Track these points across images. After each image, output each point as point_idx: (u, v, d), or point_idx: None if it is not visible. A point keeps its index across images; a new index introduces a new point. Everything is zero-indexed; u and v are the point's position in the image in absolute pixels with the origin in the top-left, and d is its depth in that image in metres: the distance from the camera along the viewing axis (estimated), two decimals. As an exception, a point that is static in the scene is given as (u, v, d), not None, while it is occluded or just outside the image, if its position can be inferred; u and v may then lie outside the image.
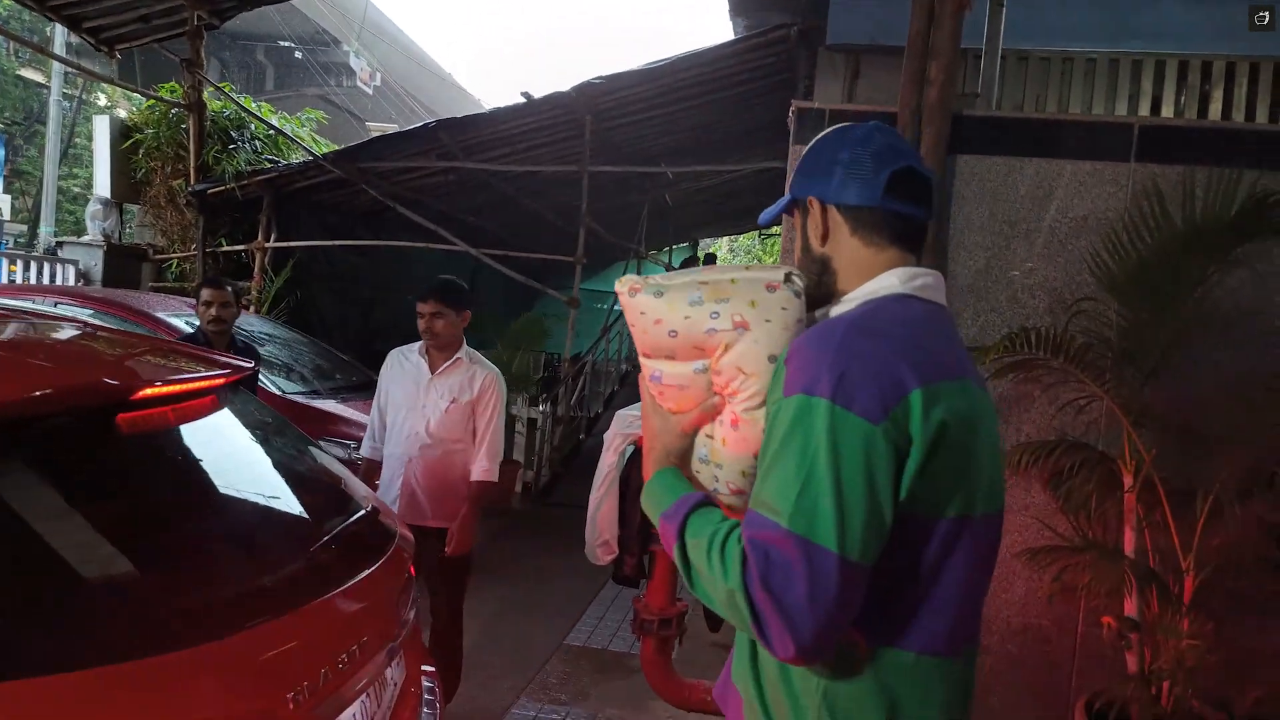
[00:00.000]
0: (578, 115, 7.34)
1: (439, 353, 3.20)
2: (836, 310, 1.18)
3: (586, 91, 6.88)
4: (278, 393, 4.94)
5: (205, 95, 7.57)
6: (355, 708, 1.55)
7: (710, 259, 14.38)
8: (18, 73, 16.81)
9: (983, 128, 3.20)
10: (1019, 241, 3.15)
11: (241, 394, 1.99)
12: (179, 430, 1.66)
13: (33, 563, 1.22)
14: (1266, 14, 3.92)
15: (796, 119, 3.26)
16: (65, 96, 14.28)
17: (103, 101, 16.90)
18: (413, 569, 2.00)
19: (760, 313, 1.14)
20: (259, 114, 7.90)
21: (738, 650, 1.23)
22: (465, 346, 3.26)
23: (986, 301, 3.18)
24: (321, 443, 4.21)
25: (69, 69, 11.77)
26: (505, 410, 3.33)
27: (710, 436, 1.22)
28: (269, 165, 7.65)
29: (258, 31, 18.93)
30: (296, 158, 7.87)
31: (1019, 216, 3.16)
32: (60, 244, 8.44)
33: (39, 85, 16.65)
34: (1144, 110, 4.67)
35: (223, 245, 7.68)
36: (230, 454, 1.80)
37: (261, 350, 4.99)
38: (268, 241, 7.66)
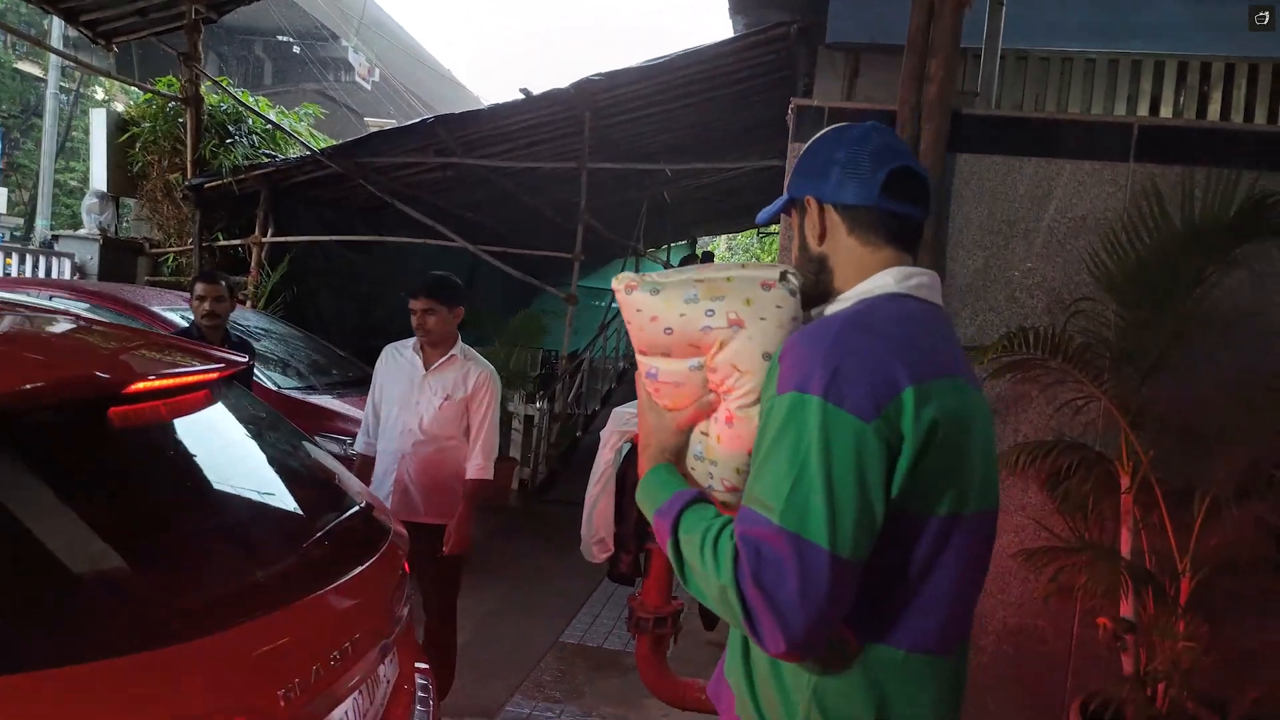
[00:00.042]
0: (577, 112, 7.32)
1: (433, 349, 3.19)
2: (831, 309, 1.19)
3: (586, 88, 6.86)
4: (273, 388, 4.92)
5: (202, 89, 7.54)
6: (348, 705, 1.54)
7: (708, 257, 14.38)
8: (14, 66, 16.75)
9: (982, 126, 3.19)
10: (1018, 241, 3.15)
11: (236, 389, 1.97)
12: (171, 425, 1.65)
13: (21, 557, 1.21)
14: (1266, 14, 3.92)
15: (796, 117, 3.25)
16: (62, 90, 14.23)
17: (100, 95, 16.85)
18: (406, 565, 1.99)
19: (755, 311, 1.15)
20: (256, 108, 7.87)
21: (731, 646, 1.23)
22: (460, 343, 3.25)
23: (985, 301, 3.17)
24: (317, 438, 4.20)
25: (66, 62, 11.73)
26: (501, 407, 3.32)
27: (705, 434, 1.22)
28: (266, 160, 7.62)
29: (256, 26, 18.85)
30: (294, 152, 7.84)
31: (1018, 216, 3.15)
32: (56, 237, 8.40)
33: (36, 78, 16.59)
34: (1143, 110, 4.67)
35: (219, 240, 7.66)
36: (223, 449, 1.79)
37: (257, 345, 4.97)
38: (264, 236, 7.63)
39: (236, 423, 1.88)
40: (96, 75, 13.62)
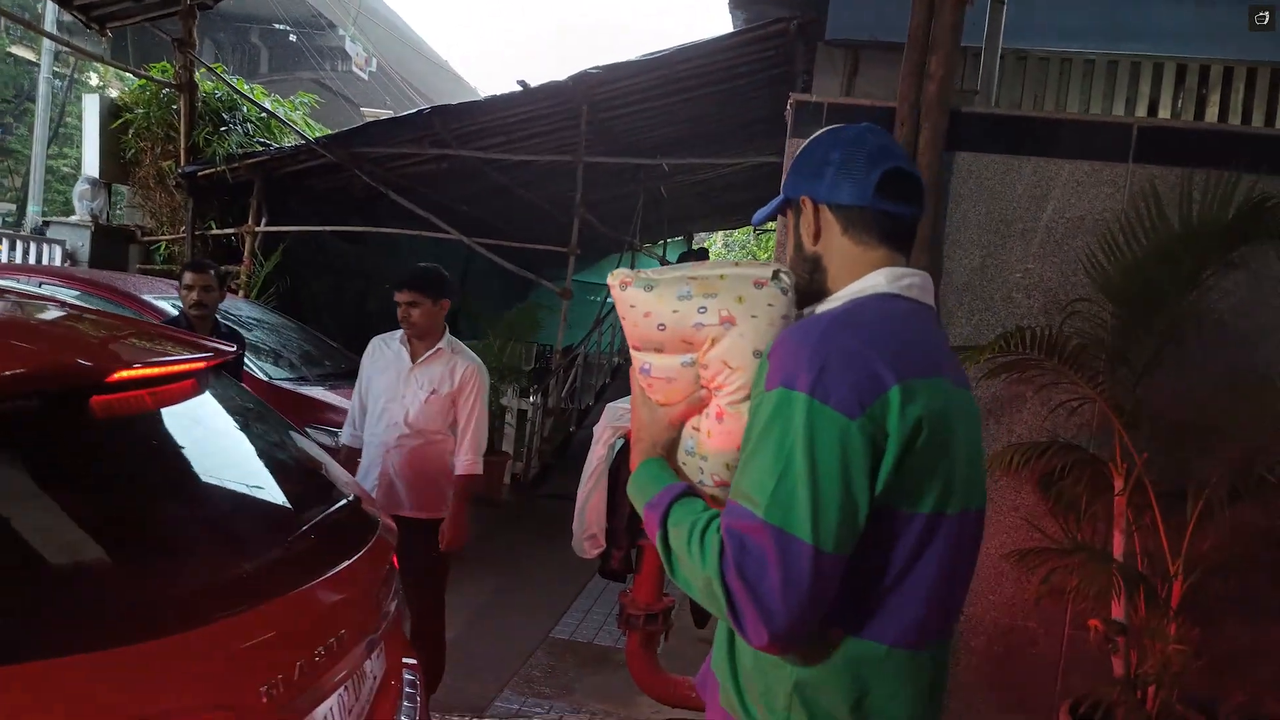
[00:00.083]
0: (574, 105, 7.28)
1: (419, 342, 3.16)
2: (823, 308, 1.21)
3: (583, 81, 6.82)
4: (264, 378, 4.89)
5: (197, 76, 7.48)
6: (333, 701, 1.52)
7: (702, 253, 14.35)
8: (8, 50, 16.60)
9: (982, 125, 3.18)
10: (1015, 240, 3.14)
11: (224, 379, 1.95)
12: (157, 415, 1.62)
13: (-1, 548, 1.18)
14: (1266, 14, 3.90)
15: (794, 113, 3.23)
16: (56, 75, 14.11)
17: (95, 81, 16.70)
18: (395, 560, 1.96)
19: (747, 308, 1.17)
20: (251, 96, 7.81)
21: (717, 639, 1.25)
22: (447, 336, 3.21)
23: (981, 300, 3.16)
24: (308, 429, 4.17)
25: (60, 47, 11.63)
26: (489, 401, 3.30)
27: (697, 429, 1.24)
28: (260, 148, 7.56)
29: (253, 13, 18.72)
30: (289, 141, 7.78)
31: (1016, 215, 3.14)
32: (47, 224, 8.33)
33: (30, 63, 16.44)
34: (1141, 112, 4.66)
35: (212, 228, 7.60)
36: (210, 439, 1.77)
37: (249, 335, 4.93)
38: (258, 226, 7.58)
39: (224, 413, 1.85)
40: (90, 61, 13.51)
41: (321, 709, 1.48)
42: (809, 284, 1.24)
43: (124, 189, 8.10)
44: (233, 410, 1.88)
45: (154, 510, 1.49)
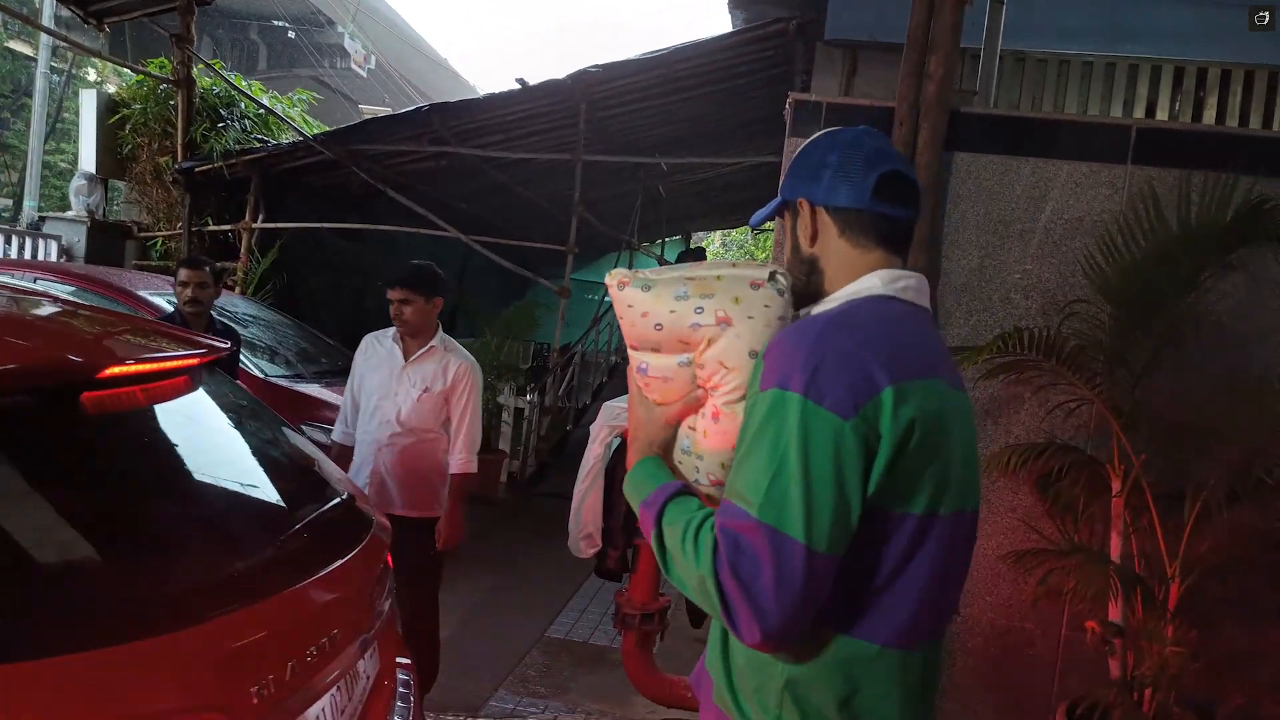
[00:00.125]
0: (573, 103, 7.27)
1: (412, 339, 3.15)
2: (819, 309, 1.22)
3: (582, 79, 6.81)
4: (260, 375, 4.87)
5: (195, 72, 7.45)
6: (325, 701, 1.51)
7: (699, 253, 14.33)
8: (6, 44, 16.53)
9: (980, 125, 3.17)
10: (1013, 241, 3.13)
11: (217, 375, 1.93)
12: (149, 411, 1.60)
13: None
14: (1266, 14, 3.90)
15: (793, 111, 3.22)
16: (54, 70, 14.06)
17: (92, 76, 16.64)
18: (390, 558, 1.95)
19: (743, 309, 1.18)
20: (249, 92, 7.79)
21: (711, 637, 1.26)
22: (440, 334, 3.20)
23: (979, 301, 3.15)
24: (303, 427, 4.16)
25: (58, 42, 11.59)
26: (491, 399, 3.29)
27: (693, 429, 1.25)
28: (258, 145, 7.54)
29: (251, 10, 18.67)
30: (287, 138, 7.76)
31: (1014, 216, 3.13)
32: (43, 219, 8.30)
33: (27, 58, 16.37)
34: (1138, 114, 4.66)
35: (209, 225, 7.58)
36: (203, 437, 1.75)
37: (245, 332, 4.92)
38: (255, 222, 7.56)
39: (217, 410, 1.83)
40: (88, 56, 13.47)
41: (314, 709, 1.47)
42: (806, 285, 1.25)
43: (121, 184, 8.07)
44: (226, 407, 1.87)
45: (145, 508, 1.48)
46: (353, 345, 6.11)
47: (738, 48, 6.35)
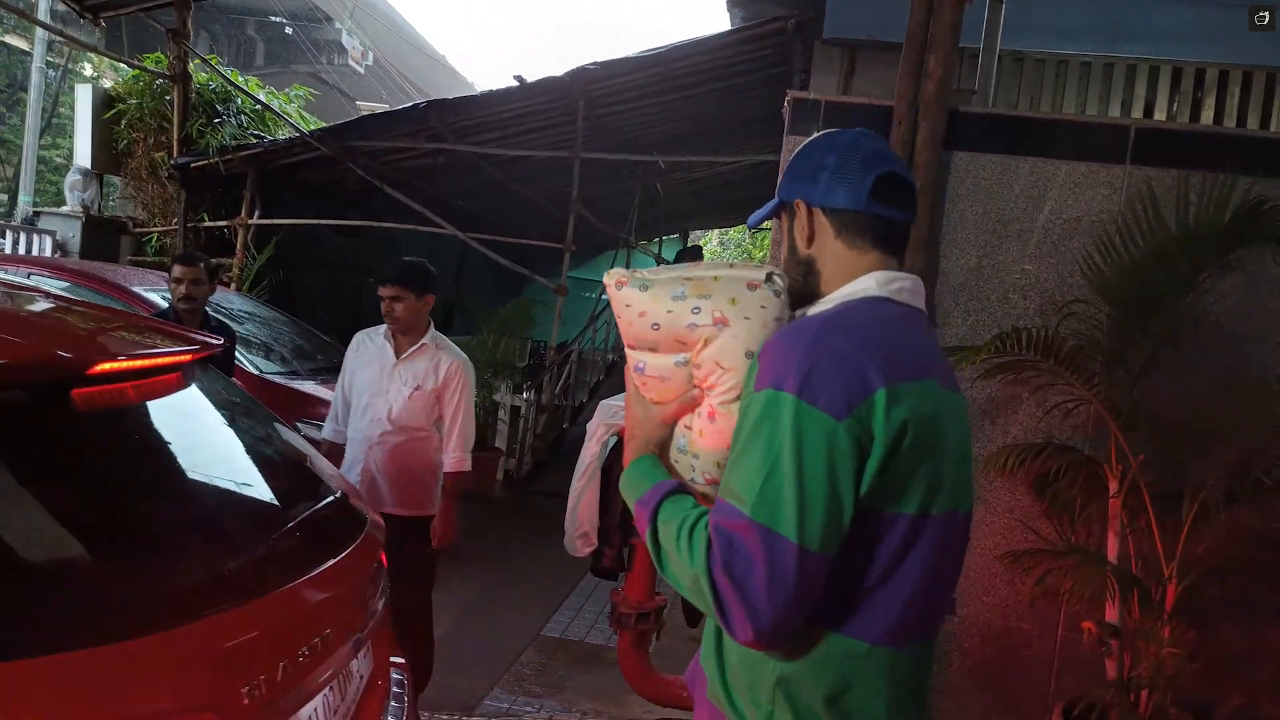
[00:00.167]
0: (571, 100, 7.25)
1: (403, 337, 3.13)
2: (814, 310, 1.23)
3: (580, 77, 6.79)
4: (255, 372, 4.85)
5: (191, 67, 7.42)
6: (317, 702, 1.49)
7: (696, 251, 14.32)
8: (1, 39, 16.45)
9: (979, 124, 3.16)
10: (1012, 241, 3.12)
11: (210, 372, 1.92)
12: (141, 408, 1.59)
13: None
14: (1266, 14, 3.89)
15: (791, 110, 3.21)
16: (49, 65, 13.98)
17: (89, 71, 16.57)
18: (384, 557, 1.94)
19: (740, 310, 1.18)
20: (245, 88, 7.76)
21: (705, 634, 1.27)
22: (432, 331, 3.18)
23: (977, 300, 3.14)
24: (299, 424, 4.14)
25: (54, 36, 11.54)
26: (483, 397, 3.28)
27: (689, 428, 1.25)
28: (254, 141, 7.51)
29: (248, 6, 18.59)
30: (283, 134, 7.73)
31: (1013, 216, 3.12)
32: (38, 214, 8.26)
33: (23, 52, 16.29)
34: (1136, 115, 4.65)
35: (204, 220, 7.55)
36: (195, 434, 1.74)
37: (240, 329, 4.89)
38: (251, 218, 7.53)
39: (210, 407, 1.82)
40: (84, 50, 13.42)
41: (306, 709, 1.45)
42: (802, 286, 1.25)
43: (116, 180, 8.04)
44: (219, 404, 1.85)
45: (136, 506, 1.46)
46: (349, 342, 6.12)
47: (736, 46, 6.34)
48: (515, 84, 6.94)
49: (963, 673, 3.12)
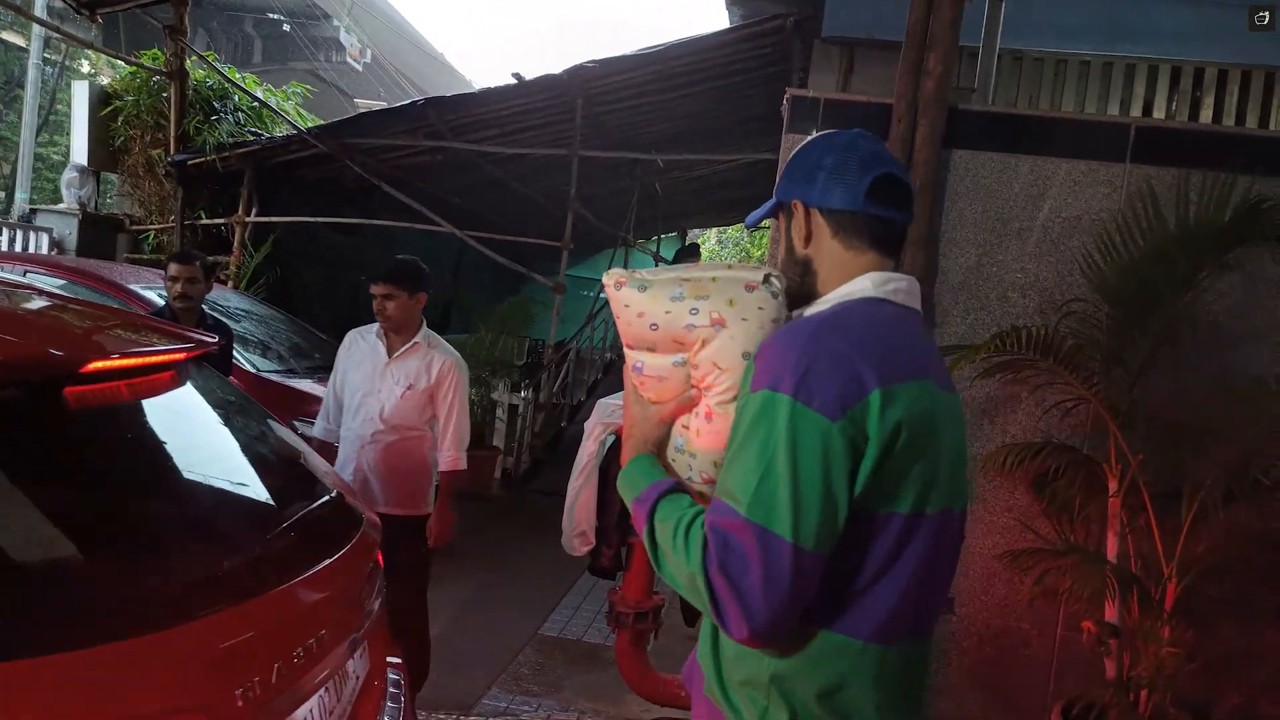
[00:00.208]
0: (569, 98, 7.23)
1: (395, 335, 3.11)
2: (810, 311, 1.24)
3: (579, 74, 6.77)
4: (252, 370, 4.84)
5: (188, 64, 7.39)
6: (313, 702, 1.48)
7: (694, 250, 14.31)
8: (-2, 35, 16.39)
9: (979, 122, 3.16)
10: (1011, 239, 3.11)
11: (205, 370, 1.90)
12: (134, 406, 1.58)
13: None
14: (1266, 14, 3.88)
15: (790, 108, 3.20)
16: (46, 61, 13.94)
17: (85, 68, 16.53)
18: (380, 557, 1.93)
19: (738, 311, 1.19)
20: (243, 85, 7.73)
21: (702, 631, 1.28)
22: (424, 329, 3.16)
23: (977, 299, 3.14)
24: (295, 423, 4.12)
25: (50, 33, 11.50)
26: (480, 395, 3.26)
27: (686, 427, 1.26)
28: (251, 138, 7.48)
29: (246, 3, 18.54)
30: (280, 131, 7.71)
31: (1012, 214, 3.12)
32: (35, 211, 8.23)
33: (19, 49, 16.24)
34: (1135, 113, 4.65)
35: (201, 218, 7.52)
36: (190, 433, 1.72)
37: (237, 327, 4.87)
38: (248, 216, 7.51)
39: (205, 406, 1.81)
40: (81, 47, 13.37)
41: (301, 710, 1.44)
42: (800, 287, 1.26)
43: (113, 177, 8.01)
44: (214, 403, 1.84)
45: (130, 505, 1.45)
46: (345, 341, 6.04)
47: (735, 44, 6.32)
48: (514, 82, 6.92)
49: (962, 672, 3.12)
